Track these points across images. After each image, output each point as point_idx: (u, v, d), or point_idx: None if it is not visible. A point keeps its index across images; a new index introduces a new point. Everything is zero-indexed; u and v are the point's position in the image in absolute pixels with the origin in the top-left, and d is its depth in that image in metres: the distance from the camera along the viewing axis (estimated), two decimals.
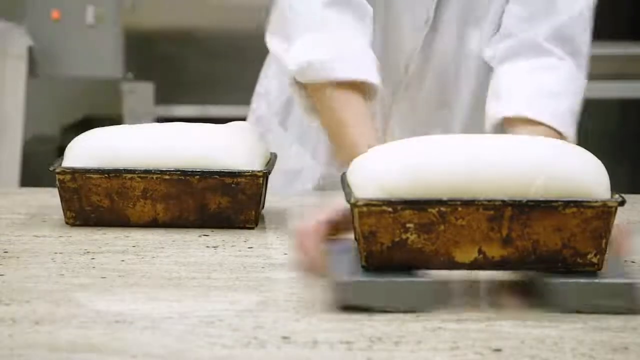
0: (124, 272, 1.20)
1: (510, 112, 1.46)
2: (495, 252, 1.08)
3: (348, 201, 1.08)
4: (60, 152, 1.53)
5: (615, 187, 1.33)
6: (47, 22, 3.32)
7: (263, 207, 1.45)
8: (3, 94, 3.20)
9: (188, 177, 1.36)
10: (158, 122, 2.56)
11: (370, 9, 1.49)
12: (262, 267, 1.23)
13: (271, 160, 1.45)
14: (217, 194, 1.37)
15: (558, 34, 1.52)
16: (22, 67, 3.16)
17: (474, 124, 1.60)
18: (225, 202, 1.37)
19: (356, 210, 1.07)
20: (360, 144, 1.30)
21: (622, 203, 1.08)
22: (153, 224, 1.38)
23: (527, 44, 1.53)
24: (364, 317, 1.05)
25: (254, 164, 1.39)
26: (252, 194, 1.37)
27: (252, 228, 1.38)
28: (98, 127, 1.55)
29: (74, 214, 1.38)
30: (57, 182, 1.38)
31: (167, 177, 1.36)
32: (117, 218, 1.38)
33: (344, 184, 1.14)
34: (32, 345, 0.97)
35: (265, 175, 1.38)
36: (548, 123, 1.44)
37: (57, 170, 1.38)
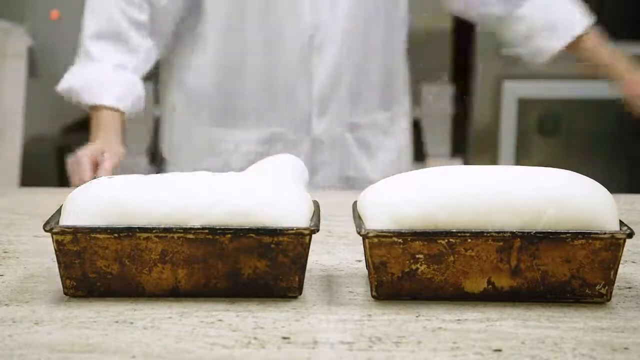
0: None
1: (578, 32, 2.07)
2: (504, 282, 1.09)
3: (359, 232, 1.09)
4: (60, 152, 1.52)
5: (615, 187, 1.33)
6: (47, 22, 3.31)
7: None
8: (3, 94, 3.20)
9: (217, 237, 1.11)
10: (156, 121, 2.56)
11: (141, 43, 1.98)
12: None
13: (315, 211, 1.18)
14: (252, 257, 1.12)
15: None
16: (22, 67, 3.15)
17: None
18: (263, 267, 1.12)
19: (367, 241, 1.08)
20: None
21: (630, 235, 1.08)
22: (173, 293, 1.12)
23: None
24: (364, 317, 1.05)
25: (299, 218, 1.13)
26: (297, 256, 1.12)
27: (296, 297, 1.13)
28: None
29: (74, 283, 1.12)
30: (55, 244, 1.12)
31: (191, 236, 1.11)
32: (128, 287, 1.12)
33: (355, 214, 1.15)
34: (32, 345, 0.97)
35: (313, 232, 1.11)
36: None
37: (55, 230, 1.11)
